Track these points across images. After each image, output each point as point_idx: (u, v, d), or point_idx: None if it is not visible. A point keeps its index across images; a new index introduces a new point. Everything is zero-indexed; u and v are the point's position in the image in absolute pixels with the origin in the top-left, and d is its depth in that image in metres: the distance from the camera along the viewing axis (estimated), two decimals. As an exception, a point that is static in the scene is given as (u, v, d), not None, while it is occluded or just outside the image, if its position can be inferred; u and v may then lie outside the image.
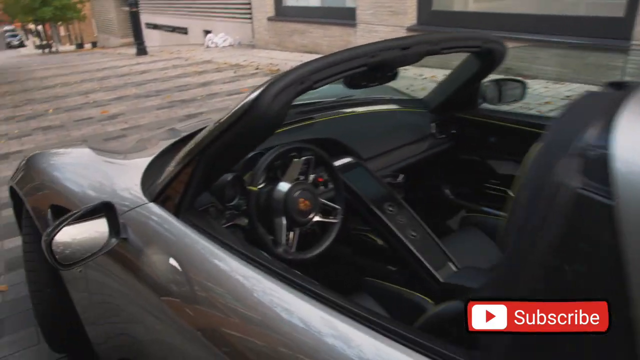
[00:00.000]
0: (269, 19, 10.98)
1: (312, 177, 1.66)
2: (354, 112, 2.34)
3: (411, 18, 6.97)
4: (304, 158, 1.60)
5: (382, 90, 2.75)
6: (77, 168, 1.93)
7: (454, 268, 1.76)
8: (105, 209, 1.33)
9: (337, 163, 1.91)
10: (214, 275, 1.18)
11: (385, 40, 1.55)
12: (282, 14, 10.80)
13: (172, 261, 1.25)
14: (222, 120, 1.26)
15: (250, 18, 11.77)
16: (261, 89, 1.21)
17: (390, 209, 1.86)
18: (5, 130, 5.84)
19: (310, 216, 1.59)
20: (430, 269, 1.71)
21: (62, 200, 1.77)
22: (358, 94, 2.54)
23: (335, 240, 1.70)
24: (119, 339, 1.67)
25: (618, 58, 4.48)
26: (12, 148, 5.19)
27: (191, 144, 1.35)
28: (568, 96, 4.63)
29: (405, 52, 1.54)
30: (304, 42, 10.15)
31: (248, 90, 1.28)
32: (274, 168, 1.69)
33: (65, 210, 1.56)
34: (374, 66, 1.42)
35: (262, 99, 1.19)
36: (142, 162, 1.69)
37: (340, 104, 2.35)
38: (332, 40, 9.16)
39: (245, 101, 1.21)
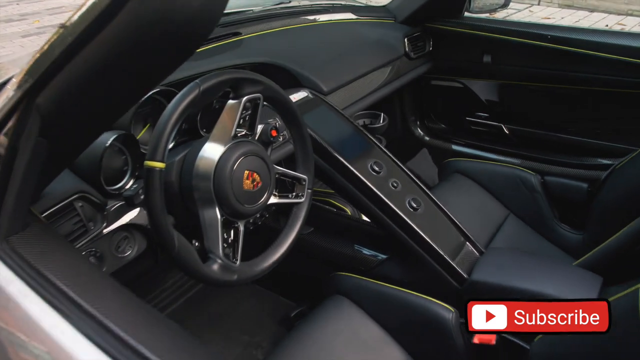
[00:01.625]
0: None
1: (260, 129, 0.96)
2: (299, 24, 1.61)
3: None
4: (246, 98, 0.87)
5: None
6: None
7: (476, 253, 1.20)
8: None
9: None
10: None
11: None
12: None
13: None
14: (75, 20, 0.51)
15: None
16: None
17: (375, 168, 1.22)
18: None
19: (263, 199, 0.91)
20: (448, 258, 1.13)
21: None
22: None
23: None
24: None
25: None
26: None
27: (13, 79, 0.59)
28: None
29: None
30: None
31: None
32: (191, 118, 0.97)
33: None
34: None
35: None
36: None
37: (275, 14, 1.61)
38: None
39: None
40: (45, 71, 0.52)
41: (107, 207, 0.88)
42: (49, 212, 0.78)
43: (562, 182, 1.54)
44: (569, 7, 6.03)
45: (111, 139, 0.87)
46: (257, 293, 1.60)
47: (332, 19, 1.71)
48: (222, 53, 1.33)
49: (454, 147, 1.93)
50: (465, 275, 1.13)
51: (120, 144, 0.93)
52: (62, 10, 6.40)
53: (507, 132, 1.78)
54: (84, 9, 0.50)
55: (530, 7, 6.18)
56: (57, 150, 0.60)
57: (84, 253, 0.84)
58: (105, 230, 0.88)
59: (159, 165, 0.75)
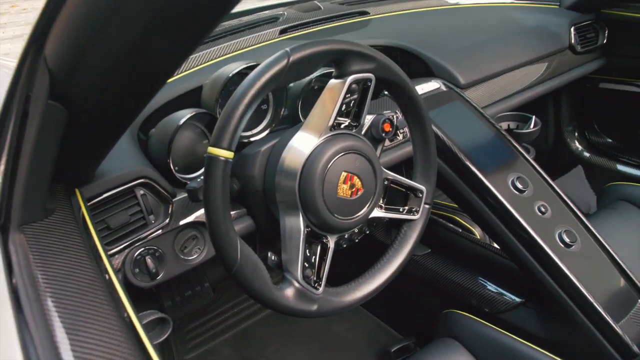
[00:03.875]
0: None
1: (369, 120, 0.75)
2: (439, 6, 1.36)
3: None
4: (352, 77, 0.66)
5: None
6: None
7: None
8: None
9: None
10: None
11: None
12: None
13: None
14: None
15: None
16: None
17: (519, 185, 0.95)
18: None
19: (364, 211, 0.70)
20: (610, 321, 0.82)
21: None
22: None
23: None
24: None
25: None
26: None
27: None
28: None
29: None
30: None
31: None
32: (292, 102, 0.81)
33: None
34: None
35: None
36: None
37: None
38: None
39: None
40: (50, 10, 0.37)
41: (175, 200, 0.74)
42: (100, 198, 0.65)
43: None
44: None
45: (186, 117, 0.72)
46: (358, 315, 1.39)
47: (481, 1, 1.44)
48: (345, 32, 1.16)
49: (620, 167, 1.54)
50: (635, 349, 0.80)
51: (203, 126, 0.79)
52: None
53: None
54: None
55: None
56: (82, 119, 0.45)
57: (136, 253, 0.71)
58: (169, 227, 0.74)
59: (224, 154, 0.57)
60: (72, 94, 0.43)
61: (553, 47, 1.35)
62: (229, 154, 0.58)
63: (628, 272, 0.91)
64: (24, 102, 0.43)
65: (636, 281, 0.91)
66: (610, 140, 1.58)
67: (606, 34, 1.45)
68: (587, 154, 1.60)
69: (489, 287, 1.04)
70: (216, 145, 0.57)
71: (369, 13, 1.27)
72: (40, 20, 0.39)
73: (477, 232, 1.21)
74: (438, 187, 0.98)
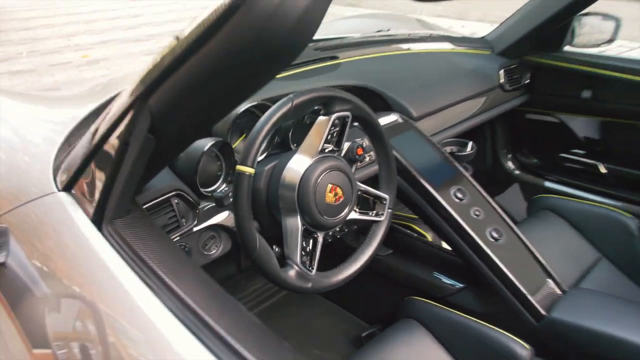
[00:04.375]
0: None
1: (346, 146, 1.01)
2: (396, 51, 1.66)
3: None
4: (335, 115, 0.93)
5: (430, 26, 2.06)
6: None
7: (558, 291, 1.15)
8: None
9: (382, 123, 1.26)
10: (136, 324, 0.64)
11: None
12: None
13: (75, 303, 0.65)
14: (187, 34, 0.60)
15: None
16: None
17: (459, 195, 1.22)
18: (-33, 74, 5.10)
19: (343, 213, 0.96)
20: (526, 293, 1.09)
21: None
22: (394, 29, 1.86)
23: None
24: None
25: None
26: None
27: (127, 87, 0.70)
28: None
29: None
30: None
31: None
32: (284, 133, 1.05)
33: None
34: None
35: None
36: (73, 118, 1.02)
37: (373, 41, 1.67)
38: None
39: None
40: (157, 77, 0.61)
41: (200, 207, 0.97)
42: (149, 204, 0.88)
43: None
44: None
45: (209, 144, 0.96)
46: (333, 311, 1.63)
47: (428, 48, 1.74)
48: (319, 74, 1.41)
49: (546, 183, 1.86)
50: (543, 312, 1.08)
51: (217, 150, 1.03)
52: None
53: (604, 171, 1.68)
54: (193, 24, 0.58)
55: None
56: (162, 147, 0.69)
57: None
58: (195, 228, 0.97)
59: (249, 170, 0.82)
60: (163, 130, 0.66)
61: (487, 85, 1.66)
62: (252, 170, 0.83)
63: (540, 260, 1.19)
64: (126, 135, 0.66)
65: (547, 268, 1.19)
66: (537, 161, 1.90)
67: (529, 75, 1.78)
68: (518, 172, 1.91)
69: (439, 277, 1.31)
70: (243, 164, 0.82)
71: (339, 57, 1.53)
72: (147, 80, 0.62)
73: (430, 236, 1.48)
74: (399, 200, 1.24)
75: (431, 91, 1.52)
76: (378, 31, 1.78)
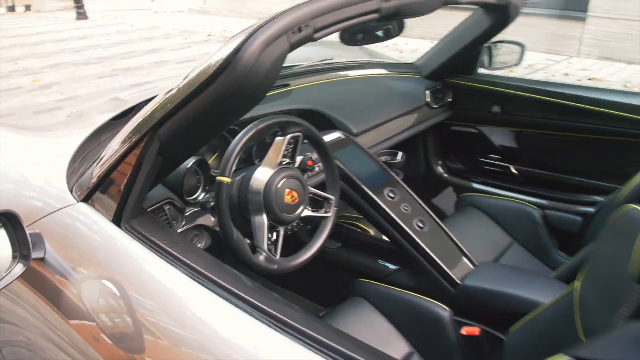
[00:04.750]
0: (222, -17, 10.24)
1: (299, 160, 1.28)
2: (338, 78, 1.95)
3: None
4: (289, 136, 1.20)
5: (367, 54, 2.37)
6: None
7: (470, 265, 1.45)
8: (5, 221, 0.90)
9: (328, 139, 1.54)
10: (160, 300, 0.86)
11: None
12: (236, -22, 10.09)
13: (107, 283, 0.87)
14: (184, 85, 0.86)
15: (201, -18, 10.99)
16: (242, 37, 0.82)
17: (391, 195, 1.51)
18: None
19: (299, 211, 1.22)
20: (445, 268, 1.39)
21: None
22: (338, 57, 2.16)
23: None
24: None
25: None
26: None
27: (138, 119, 0.94)
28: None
29: None
30: (259, 8, 9.51)
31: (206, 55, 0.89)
32: (251, 150, 1.30)
33: None
34: (388, 13, 1.05)
35: (247, 51, 0.81)
36: (69, 145, 1.25)
37: (319, 69, 1.96)
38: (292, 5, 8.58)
39: (220, 56, 0.83)
40: (167, 113, 0.86)
41: (186, 212, 1.21)
42: (149, 209, 1.12)
43: (561, 216, 1.78)
44: (608, 59, 6.19)
45: (191, 163, 1.20)
46: (292, 299, 1.88)
47: (366, 74, 2.05)
48: (275, 101, 1.67)
49: (472, 184, 2.18)
50: (458, 282, 1.38)
51: (197, 167, 1.27)
52: (134, 54, 7.10)
53: (515, 172, 2.03)
54: (187, 80, 0.85)
55: (569, 59, 6.39)
56: (166, 165, 0.93)
57: None
58: (182, 229, 1.20)
59: (227, 180, 1.08)
60: (168, 152, 0.91)
61: (416, 104, 1.97)
62: (229, 180, 1.08)
63: (457, 242, 1.49)
64: (140, 156, 0.90)
65: (462, 248, 1.49)
66: (462, 166, 2.23)
67: (451, 95, 2.11)
68: (447, 176, 2.23)
69: (379, 262, 1.59)
70: (222, 175, 1.07)
71: (290, 85, 1.80)
72: (158, 115, 0.87)
73: (372, 231, 1.77)
74: (344, 202, 1.51)
75: (369, 111, 1.81)
76: (323, 60, 2.07)
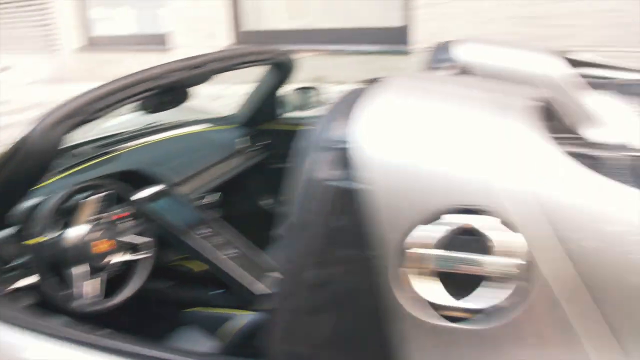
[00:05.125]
0: (79, 49, 10.14)
1: (109, 214, 1.55)
2: (160, 138, 2.26)
3: (226, 38, 7.02)
4: (103, 194, 1.48)
5: (192, 112, 2.71)
6: None
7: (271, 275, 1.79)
8: None
9: (143, 194, 1.83)
10: None
11: (175, 61, 1.54)
12: (93, 43, 10.04)
13: None
14: None
15: (57, 50, 10.76)
16: (34, 124, 1.13)
17: (206, 231, 1.83)
18: None
19: (115, 258, 1.49)
20: (243, 283, 1.68)
21: None
22: (165, 119, 2.47)
23: (151, 277, 1.61)
24: None
25: (402, 60, 5.12)
26: None
27: None
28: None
29: (196, 71, 1.56)
30: (117, 72, 9.52)
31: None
32: (66, 212, 1.54)
33: None
34: (167, 88, 1.40)
35: (33, 135, 1.11)
36: None
37: (145, 132, 2.25)
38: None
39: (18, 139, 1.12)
40: None
41: (7, 274, 1.40)
42: None
43: None
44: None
45: (6, 233, 1.41)
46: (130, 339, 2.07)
47: (188, 131, 2.39)
48: (103, 166, 1.90)
49: None
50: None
51: (12, 235, 1.47)
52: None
53: None
54: None
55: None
56: None
57: None
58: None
59: (37, 240, 1.32)
60: None
61: (230, 151, 2.33)
62: (44, 238, 1.32)
63: (258, 262, 1.82)
64: None
65: (262, 265, 1.81)
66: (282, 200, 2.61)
67: (265, 138, 2.49)
68: (268, 209, 2.60)
69: (209, 290, 1.88)
70: (39, 235, 1.32)
71: (117, 150, 2.06)
72: None
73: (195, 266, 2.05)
74: (168, 244, 1.77)
75: (190, 161, 2.14)
76: (149, 124, 2.37)
